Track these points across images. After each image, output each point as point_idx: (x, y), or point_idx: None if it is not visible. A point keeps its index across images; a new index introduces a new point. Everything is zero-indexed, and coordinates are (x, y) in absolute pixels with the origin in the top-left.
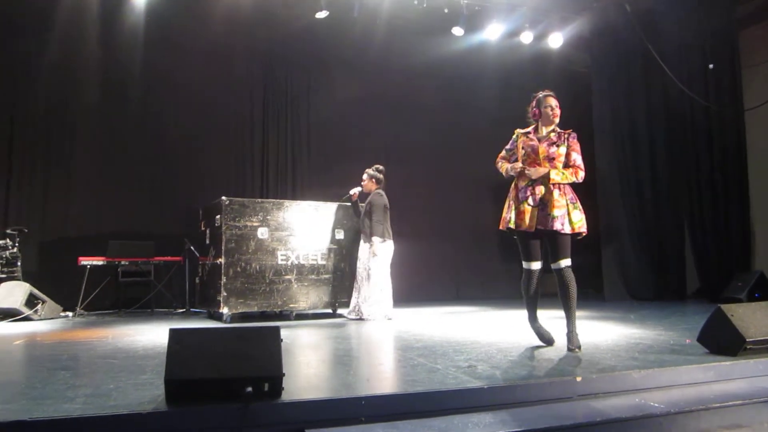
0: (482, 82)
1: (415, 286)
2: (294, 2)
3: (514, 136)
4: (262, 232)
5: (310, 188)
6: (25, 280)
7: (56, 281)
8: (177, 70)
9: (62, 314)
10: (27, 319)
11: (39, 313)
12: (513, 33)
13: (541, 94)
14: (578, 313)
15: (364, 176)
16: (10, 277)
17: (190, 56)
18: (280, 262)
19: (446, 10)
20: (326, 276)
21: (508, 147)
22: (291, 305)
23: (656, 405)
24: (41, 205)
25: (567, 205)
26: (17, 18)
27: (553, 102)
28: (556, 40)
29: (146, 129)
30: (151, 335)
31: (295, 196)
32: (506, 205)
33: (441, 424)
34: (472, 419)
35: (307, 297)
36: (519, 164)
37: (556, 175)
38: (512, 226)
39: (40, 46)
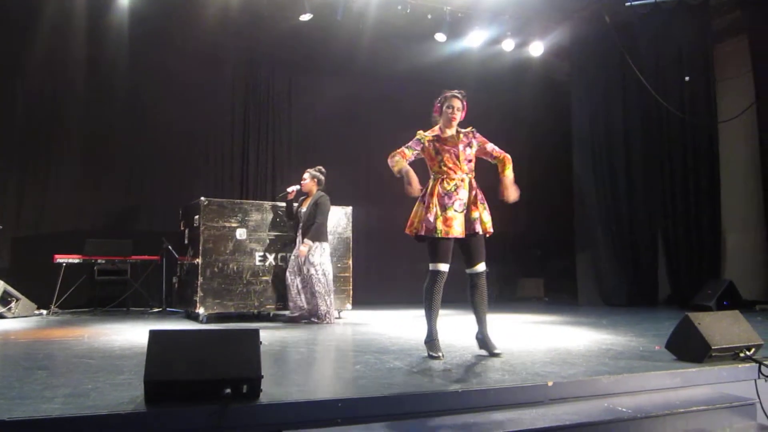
0: (464, 87)
1: (391, 289)
2: (280, 4)
3: (418, 137)
4: (241, 233)
5: None
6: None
7: (31, 279)
8: (160, 69)
9: (36, 312)
10: (0, 316)
11: (13, 311)
12: (495, 40)
13: (448, 93)
14: (553, 318)
15: (306, 176)
16: None
17: (174, 56)
18: (257, 263)
19: (430, 17)
20: None
21: (412, 146)
22: (268, 306)
23: (624, 410)
24: (17, 201)
25: (485, 206)
26: (2, 13)
27: (456, 103)
28: (537, 49)
29: (126, 127)
30: (128, 335)
31: (274, 198)
32: (421, 211)
33: (416, 427)
34: (446, 422)
35: (285, 298)
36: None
37: (510, 173)
38: (439, 234)
39: (21, 43)
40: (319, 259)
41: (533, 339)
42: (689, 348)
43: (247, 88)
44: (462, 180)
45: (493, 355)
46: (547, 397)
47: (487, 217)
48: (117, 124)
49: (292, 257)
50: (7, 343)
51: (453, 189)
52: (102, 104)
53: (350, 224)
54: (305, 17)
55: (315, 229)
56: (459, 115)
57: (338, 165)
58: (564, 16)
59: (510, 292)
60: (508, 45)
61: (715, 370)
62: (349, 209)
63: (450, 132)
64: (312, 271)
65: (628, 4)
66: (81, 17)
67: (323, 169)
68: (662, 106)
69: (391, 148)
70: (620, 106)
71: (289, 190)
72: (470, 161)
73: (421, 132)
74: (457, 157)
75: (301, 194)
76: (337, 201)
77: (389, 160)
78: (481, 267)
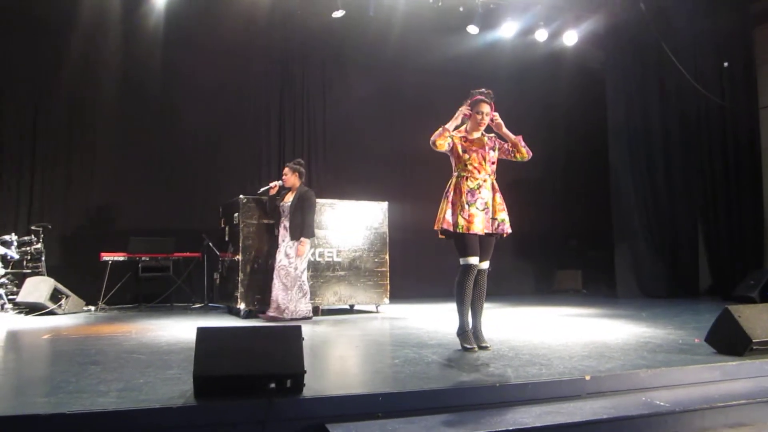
0: (497, 79)
1: (429, 283)
2: (311, 1)
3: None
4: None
5: (326, 186)
6: (49, 275)
7: (79, 276)
8: (196, 68)
9: (85, 308)
10: (51, 313)
11: (63, 308)
12: (528, 31)
13: (478, 96)
14: (590, 310)
15: (286, 170)
16: (35, 273)
17: (209, 55)
18: None
19: (461, 9)
20: (342, 273)
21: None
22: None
23: (662, 404)
24: (64, 202)
25: (504, 208)
26: (41, 17)
27: (485, 109)
28: (570, 38)
29: (165, 127)
30: (173, 330)
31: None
32: (446, 207)
33: (454, 420)
34: (484, 415)
35: (323, 293)
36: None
37: (524, 148)
38: (462, 230)
39: (62, 44)
40: (293, 252)
41: (571, 332)
42: (729, 341)
43: (282, 86)
44: (485, 180)
45: (482, 348)
46: (584, 391)
47: (507, 219)
48: (156, 125)
49: (281, 255)
50: (60, 339)
51: (476, 188)
52: (141, 106)
53: (386, 219)
54: (338, 14)
55: (307, 225)
56: (488, 120)
57: (373, 160)
58: (598, 4)
59: (547, 285)
60: (542, 35)
61: (757, 363)
62: (384, 204)
63: (476, 134)
64: (285, 262)
65: None
66: (116, 20)
67: (302, 161)
68: (701, 93)
69: (424, 142)
70: (657, 93)
71: (272, 185)
72: (493, 163)
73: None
74: (483, 159)
75: (284, 189)
76: (373, 196)
77: (433, 140)
78: (485, 265)
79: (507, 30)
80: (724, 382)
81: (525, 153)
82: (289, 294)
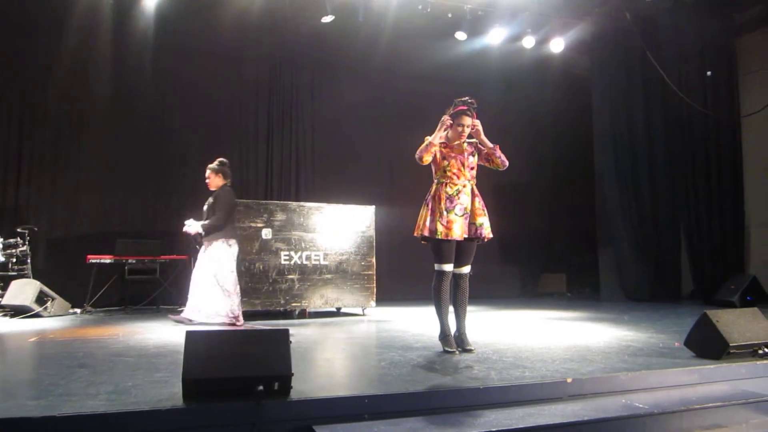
0: (485, 85)
1: (415, 287)
2: (301, 7)
3: (427, 143)
4: (266, 233)
5: (314, 190)
6: (35, 277)
7: (65, 279)
8: (185, 72)
9: (71, 311)
10: (37, 315)
11: (48, 310)
12: (515, 38)
13: (461, 106)
14: (574, 314)
15: (208, 172)
16: (21, 275)
17: (199, 59)
18: (283, 261)
19: (450, 15)
20: (329, 276)
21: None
22: (294, 304)
23: (641, 406)
24: (50, 204)
25: (485, 213)
26: (32, 19)
27: (466, 121)
28: (557, 45)
29: (154, 129)
30: (160, 333)
31: (298, 198)
32: (426, 214)
33: (439, 421)
34: (468, 417)
35: (310, 296)
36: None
37: (498, 158)
38: (440, 236)
39: (52, 47)
40: (221, 255)
41: (554, 335)
42: (707, 345)
43: (270, 90)
44: (464, 186)
45: (466, 351)
46: (566, 394)
47: (487, 224)
48: (145, 128)
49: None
50: (46, 341)
51: (455, 194)
52: (129, 108)
53: (373, 223)
54: (327, 19)
55: (212, 222)
56: (468, 131)
57: (361, 164)
58: (584, 12)
59: (532, 288)
60: (529, 42)
61: (734, 366)
62: (371, 208)
63: (457, 141)
64: (211, 266)
65: None
66: (107, 23)
67: (225, 161)
68: (684, 101)
69: (412, 147)
70: (642, 101)
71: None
72: (473, 169)
73: (428, 138)
74: (462, 164)
75: (210, 193)
76: (360, 200)
77: (419, 155)
78: (467, 269)
79: (495, 36)
80: (702, 385)
81: (499, 163)
82: (237, 299)
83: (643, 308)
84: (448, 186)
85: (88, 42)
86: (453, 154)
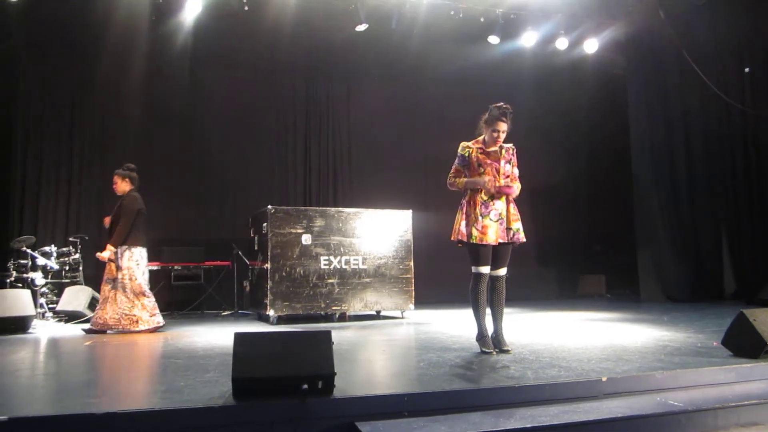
0: (518, 88)
1: (453, 289)
2: (335, 16)
3: (463, 152)
4: (306, 239)
5: (351, 196)
6: (87, 284)
7: None
8: (224, 83)
9: None
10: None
11: None
12: (548, 39)
13: (496, 111)
14: (613, 315)
15: (115, 177)
16: (73, 282)
17: (236, 70)
18: (323, 266)
19: (482, 20)
20: (368, 280)
21: (459, 163)
22: (334, 308)
23: (676, 404)
24: (99, 213)
25: (518, 218)
26: (76, 41)
27: (502, 127)
28: (591, 46)
29: (194, 140)
30: (207, 336)
31: (336, 204)
32: (461, 218)
33: (476, 419)
34: (504, 414)
35: (350, 300)
36: (493, 181)
37: (517, 190)
38: (475, 240)
39: (95, 65)
40: (126, 263)
41: (590, 336)
42: (745, 344)
43: (307, 98)
44: (498, 192)
45: (503, 351)
46: (601, 392)
47: (521, 228)
48: (186, 140)
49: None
50: (101, 345)
51: (489, 199)
52: (170, 122)
53: (410, 227)
54: (361, 27)
55: (118, 233)
56: (503, 137)
57: (397, 169)
58: (618, 12)
59: (571, 290)
60: (562, 44)
61: None
62: (408, 212)
63: (494, 147)
64: (119, 275)
65: None
66: (146, 37)
67: (132, 166)
68: (722, 99)
69: (448, 152)
70: (679, 100)
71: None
72: (507, 177)
73: (464, 144)
74: (497, 171)
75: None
76: (397, 204)
77: (450, 185)
78: (503, 271)
79: (527, 39)
80: (738, 383)
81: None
82: (138, 303)
83: (684, 309)
84: (483, 191)
85: (128, 59)
86: (489, 161)
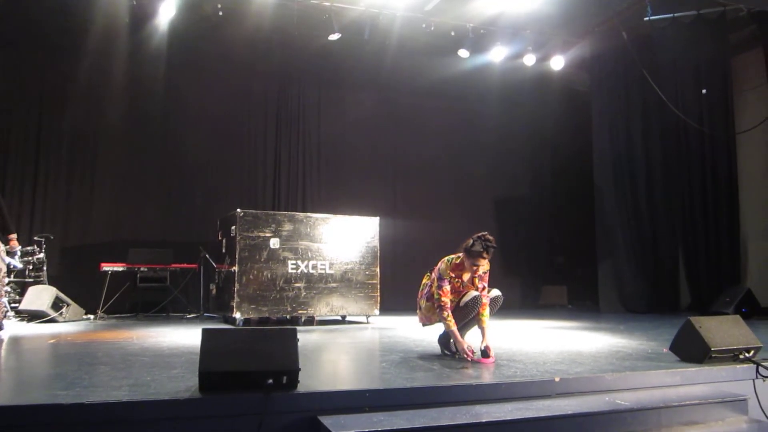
0: (486, 101)
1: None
2: (309, 24)
3: (445, 276)
4: (274, 243)
5: (320, 201)
6: (51, 284)
7: (79, 285)
8: (196, 87)
9: (84, 317)
10: (53, 320)
11: (64, 316)
12: (516, 55)
13: (478, 247)
14: (572, 324)
15: None
16: (37, 281)
17: (209, 76)
18: (290, 270)
19: (453, 33)
20: (334, 285)
21: (444, 286)
22: (300, 311)
23: (624, 403)
24: (65, 214)
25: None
26: (51, 38)
27: (483, 265)
28: (557, 62)
29: (165, 142)
30: (172, 336)
31: (305, 209)
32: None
33: (434, 414)
34: (461, 410)
35: (316, 304)
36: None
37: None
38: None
39: (68, 64)
40: None
41: (548, 342)
42: (691, 349)
43: (278, 105)
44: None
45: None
46: (554, 392)
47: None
48: (157, 142)
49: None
50: (65, 343)
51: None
52: (142, 122)
53: (377, 234)
54: (334, 37)
55: None
56: (481, 272)
57: (366, 176)
58: (583, 31)
59: (533, 300)
60: (530, 59)
61: (714, 370)
62: (376, 219)
63: (467, 276)
64: None
65: (646, 18)
66: (121, 41)
67: None
68: (681, 119)
69: (417, 161)
70: (640, 117)
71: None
72: (484, 288)
73: (444, 268)
74: (466, 289)
75: None
76: (365, 211)
77: (441, 317)
78: (494, 292)
79: (496, 54)
80: (683, 386)
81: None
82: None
83: (641, 319)
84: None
85: (102, 60)
86: (465, 284)
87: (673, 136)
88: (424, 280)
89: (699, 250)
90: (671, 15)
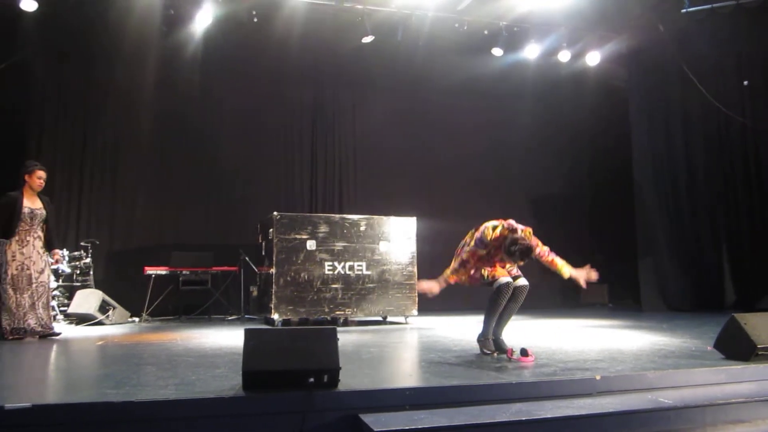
0: (520, 99)
1: (456, 296)
2: (342, 28)
3: (488, 244)
4: (311, 244)
5: (356, 203)
6: (97, 287)
7: (124, 289)
8: (231, 92)
9: (130, 319)
10: (100, 323)
11: (110, 318)
12: (551, 52)
13: (516, 254)
14: (613, 322)
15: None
16: (84, 285)
17: (245, 80)
18: (327, 272)
19: (486, 32)
20: (371, 285)
21: (482, 251)
22: (338, 312)
23: (666, 401)
24: (110, 219)
25: None
26: (92, 50)
27: (518, 261)
28: (593, 58)
29: (204, 149)
30: (215, 338)
31: (341, 210)
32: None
33: (474, 412)
34: (502, 408)
35: (354, 305)
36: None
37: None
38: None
39: (109, 74)
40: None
41: (589, 341)
42: (736, 347)
43: (314, 108)
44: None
45: (502, 352)
46: (595, 390)
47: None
48: (196, 147)
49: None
50: (112, 345)
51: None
52: (179, 129)
53: (414, 233)
54: (367, 39)
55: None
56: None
57: (401, 177)
58: (619, 26)
59: (574, 299)
60: (565, 56)
61: (761, 367)
62: (413, 219)
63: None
64: (45, 278)
65: (684, 11)
66: (157, 50)
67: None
68: (722, 112)
69: (450, 159)
70: (680, 111)
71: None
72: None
73: (487, 234)
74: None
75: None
76: (401, 211)
77: (453, 266)
78: (523, 281)
79: (530, 51)
80: (728, 384)
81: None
82: (47, 311)
83: (684, 317)
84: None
85: (141, 67)
86: (495, 260)
87: (714, 129)
88: (466, 238)
89: (744, 246)
90: (709, 6)
